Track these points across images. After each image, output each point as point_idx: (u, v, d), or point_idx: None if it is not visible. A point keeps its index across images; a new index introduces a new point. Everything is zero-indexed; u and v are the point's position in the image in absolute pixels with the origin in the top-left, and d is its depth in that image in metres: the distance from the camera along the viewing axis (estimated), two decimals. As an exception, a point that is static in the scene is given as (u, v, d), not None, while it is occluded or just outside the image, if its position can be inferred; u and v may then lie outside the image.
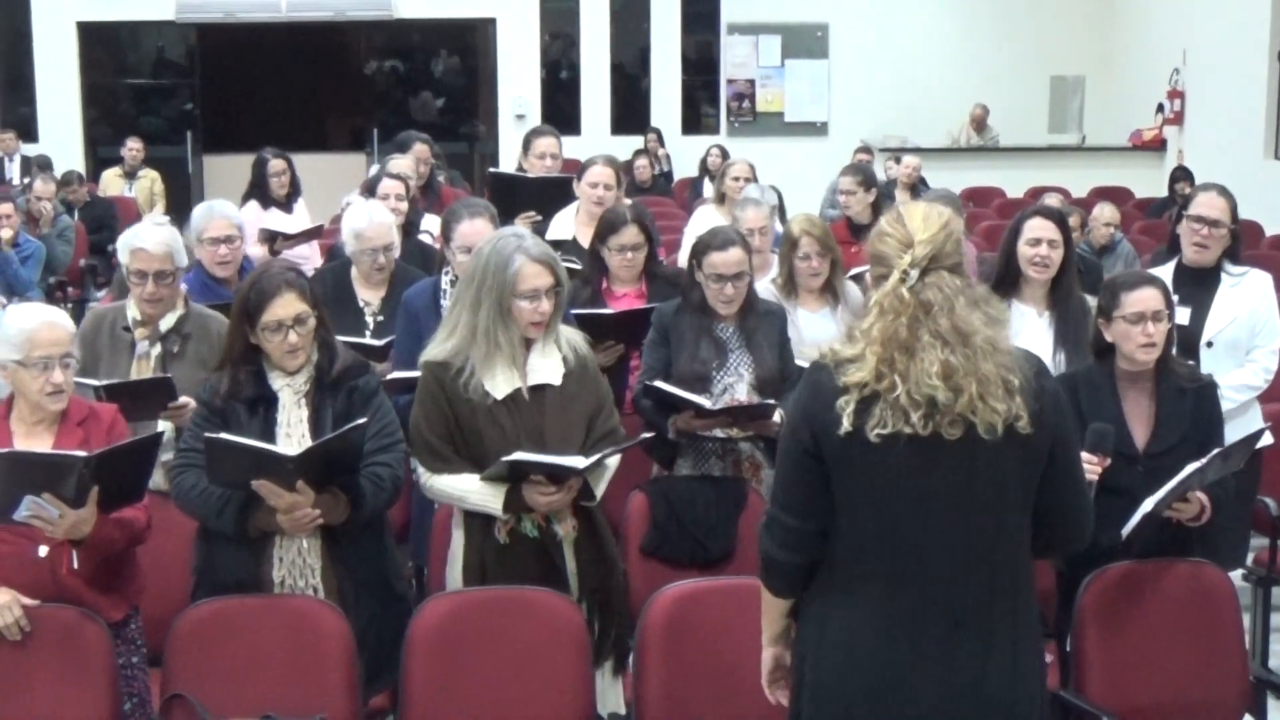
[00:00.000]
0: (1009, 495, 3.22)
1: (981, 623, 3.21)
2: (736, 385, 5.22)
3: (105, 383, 4.89)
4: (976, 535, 3.20)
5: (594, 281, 5.96)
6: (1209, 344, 5.67)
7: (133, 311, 5.19)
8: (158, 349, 5.15)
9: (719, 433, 5.23)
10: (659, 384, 5.10)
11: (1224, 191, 5.87)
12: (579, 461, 4.24)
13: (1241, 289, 5.76)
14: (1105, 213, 10.37)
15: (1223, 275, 5.77)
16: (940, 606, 3.20)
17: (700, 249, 5.32)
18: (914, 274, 3.19)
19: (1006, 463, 3.18)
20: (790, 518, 3.30)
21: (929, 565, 3.19)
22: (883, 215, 3.39)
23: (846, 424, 3.15)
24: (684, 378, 5.17)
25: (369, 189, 7.55)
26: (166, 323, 5.16)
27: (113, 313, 5.30)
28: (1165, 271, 5.58)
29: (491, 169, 11.23)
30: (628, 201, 6.69)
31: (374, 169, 9.22)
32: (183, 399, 4.86)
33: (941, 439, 3.14)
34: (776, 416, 5.15)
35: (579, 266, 6.14)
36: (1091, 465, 4.33)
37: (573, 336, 4.50)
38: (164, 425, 4.85)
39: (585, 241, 6.81)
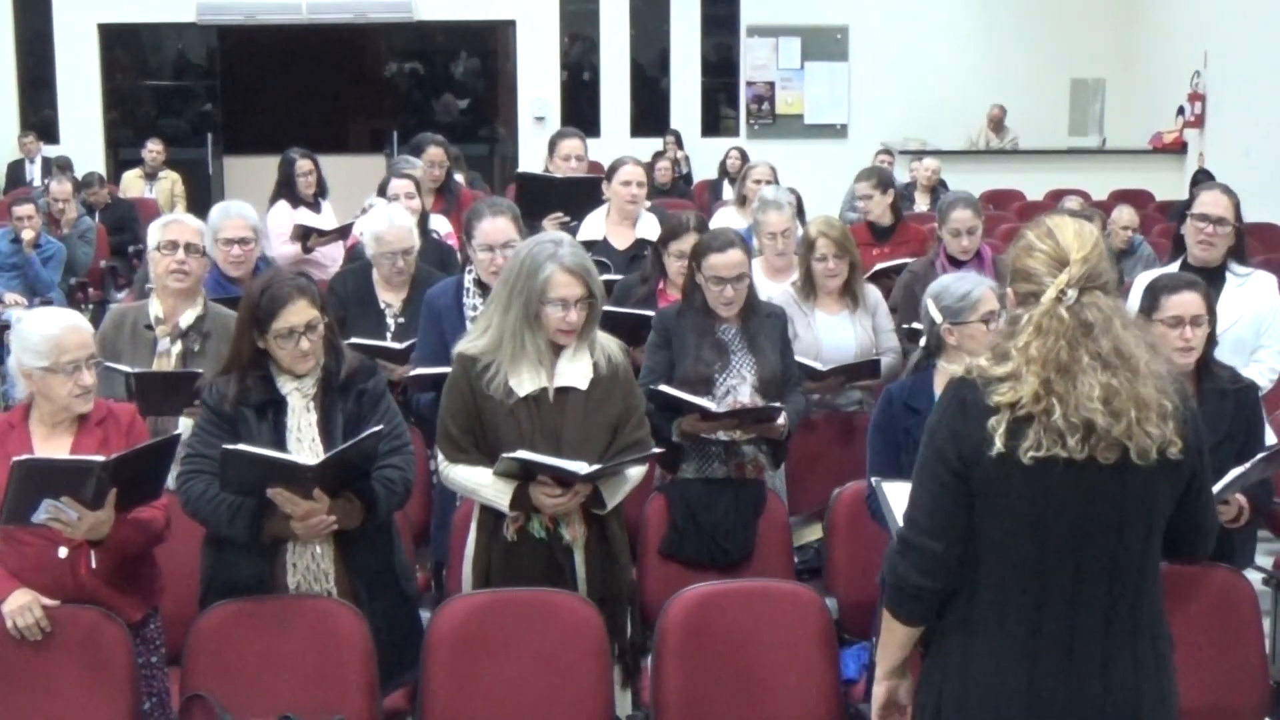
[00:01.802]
0: (1155, 519, 3.18)
1: (1129, 647, 3.18)
2: (739, 387, 5.21)
3: (139, 370, 4.94)
4: (1125, 559, 3.15)
5: (651, 281, 5.97)
6: (1215, 343, 5.67)
7: (154, 309, 5.24)
8: (178, 346, 5.19)
9: (722, 435, 5.23)
10: (663, 388, 5.09)
11: (1227, 190, 5.92)
12: (580, 467, 4.23)
13: (1247, 289, 5.78)
14: (1124, 216, 10.33)
15: (1228, 275, 5.79)
16: (1090, 632, 3.15)
17: (700, 251, 5.31)
18: (1072, 294, 3.12)
19: (1156, 487, 3.14)
20: (935, 542, 3.18)
21: (1078, 589, 3.14)
22: (1028, 229, 3.30)
23: (999, 445, 3.07)
24: (687, 380, 5.17)
25: (380, 191, 7.56)
26: (186, 320, 5.22)
27: (134, 311, 5.34)
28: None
29: (520, 170, 11.23)
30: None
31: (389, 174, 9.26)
32: None
33: (1096, 463, 3.08)
34: (781, 420, 5.15)
35: (609, 266, 6.17)
36: None
37: (608, 344, 4.49)
38: (185, 423, 4.87)
39: (616, 241, 6.84)
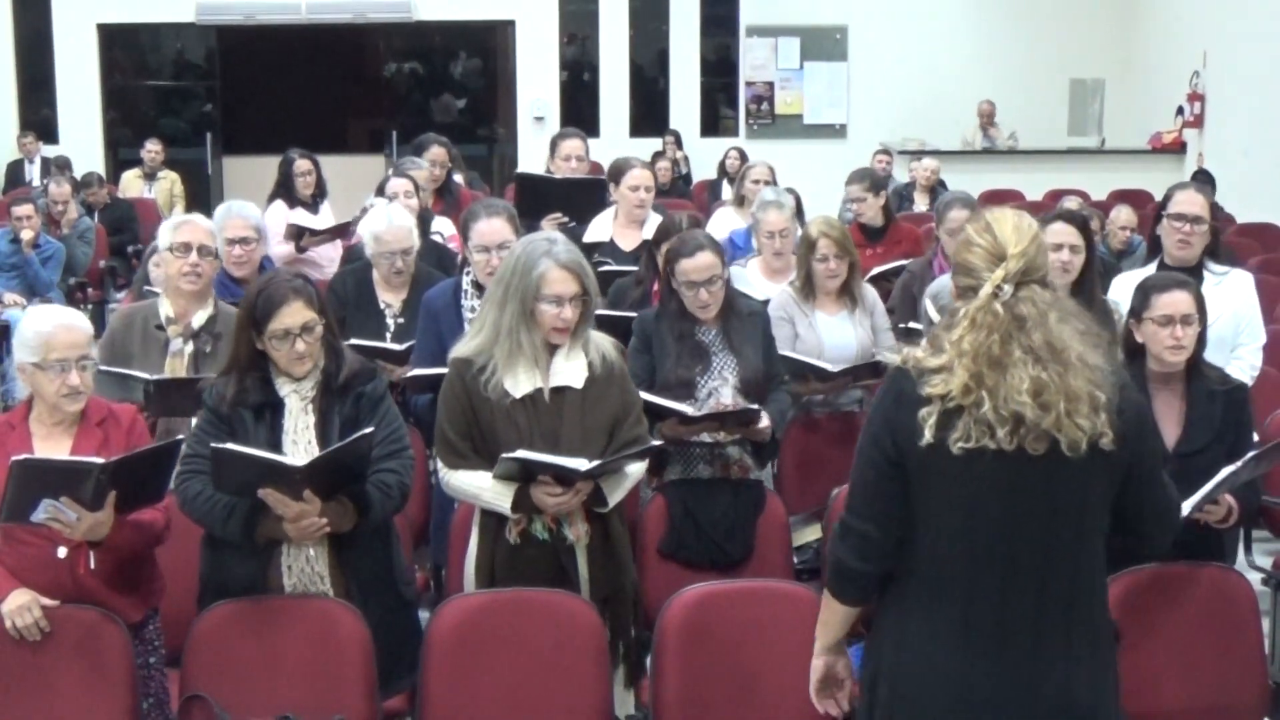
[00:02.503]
0: (1089, 509, 3.21)
1: (1062, 634, 3.21)
2: (721, 389, 5.19)
3: (157, 377, 4.95)
4: (1057, 548, 3.18)
5: (646, 283, 5.96)
6: None
7: (164, 309, 5.24)
8: (190, 347, 5.19)
9: (707, 437, 5.21)
10: (642, 394, 5.06)
11: (1201, 188, 5.96)
12: (580, 464, 4.23)
13: (1224, 288, 5.80)
14: (1122, 216, 10.34)
15: (1205, 274, 5.79)
16: (1021, 619, 3.19)
17: (671, 257, 5.29)
18: (1008, 289, 3.16)
19: (1088, 478, 3.17)
20: (871, 526, 3.26)
21: (1009, 576, 3.18)
22: (969, 223, 3.36)
23: (929, 435, 3.13)
24: (668, 384, 5.15)
25: (379, 191, 7.55)
26: (198, 320, 5.23)
27: (144, 311, 5.34)
28: (1146, 274, 5.56)
29: (520, 170, 11.24)
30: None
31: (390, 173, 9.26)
32: None
33: (1025, 454, 3.12)
34: (763, 421, 5.14)
35: (616, 267, 6.16)
36: None
37: (603, 342, 4.48)
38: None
39: (623, 244, 6.84)
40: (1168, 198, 5.96)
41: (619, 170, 7.03)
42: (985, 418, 3.10)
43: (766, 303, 5.91)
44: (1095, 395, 3.13)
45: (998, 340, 3.13)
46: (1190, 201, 5.84)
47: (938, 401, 3.13)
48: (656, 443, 4.67)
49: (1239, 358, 5.80)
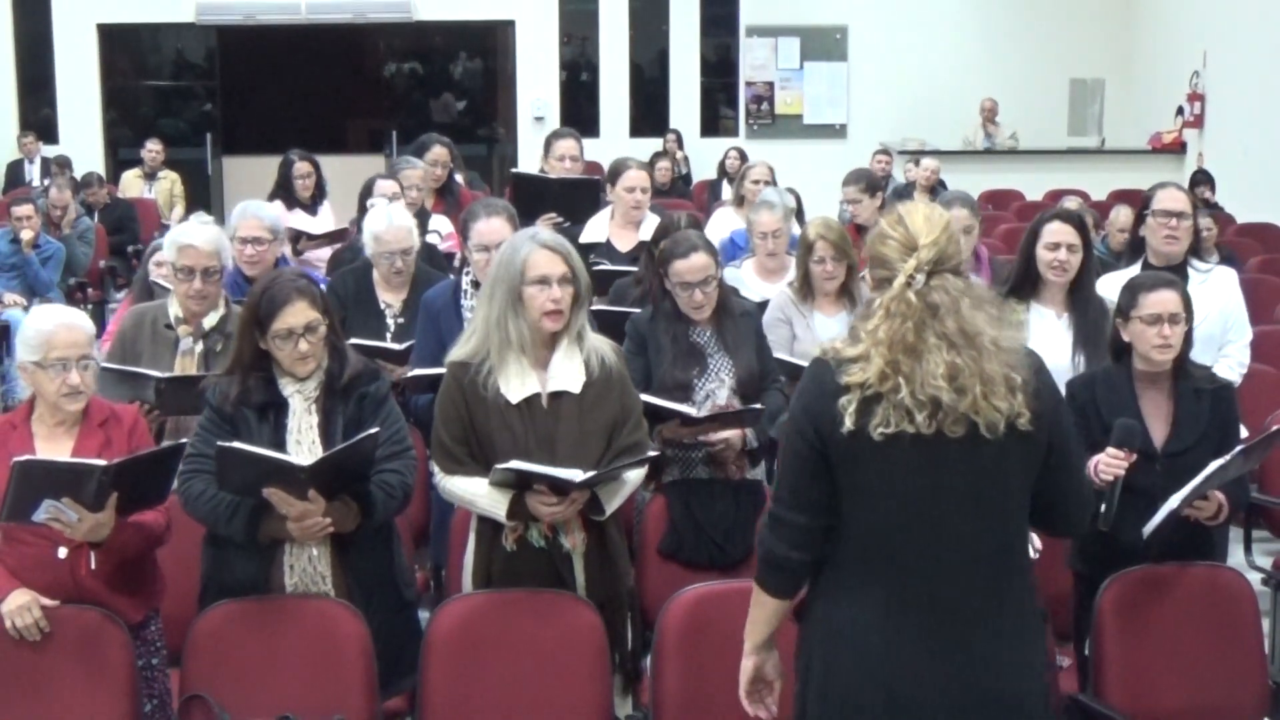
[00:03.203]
0: (1011, 490, 3.27)
1: (989, 617, 3.25)
2: (718, 391, 5.18)
3: (167, 375, 4.94)
4: (982, 530, 3.24)
5: (646, 283, 5.96)
6: None
7: (174, 309, 5.24)
8: (200, 346, 5.18)
9: (711, 440, 5.19)
10: (643, 396, 5.04)
11: (1180, 185, 6.08)
12: (575, 475, 4.20)
13: (1210, 285, 5.83)
14: (1121, 216, 10.33)
15: (1190, 272, 5.81)
16: (948, 602, 3.23)
17: (664, 258, 5.28)
18: (920, 278, 3.23)
19: (1008, 459, 3.23)
20: (799, 515, 3.32)
21: (936, 561, 3.23)
22: (883, 217, 3.42)
23: (849, 423, 3.19)
24: (664, 386, 5.13)
25: (365, 193, 7.54)
26: (210, 321, 5.22)
27: (154, 310, 5.34)
28: (1131, 274, 5.56)
29: (515, 170, 11.24)
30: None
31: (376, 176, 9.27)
32: None
33: (945, 437, 3.18)
34: (748, 432, 5.13)
35: (612, 267, 6.16)
36: (1119, 460, 4.37)
37: (601, 346, 4.44)
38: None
39: (620, 244, 6.83)
40: (1149, 197, 6.00)
41: (615, 171, 7.03)
42: (903, 403, 3.16)
43: (763, 304, 5.92)
44: (1011, 377, 3.20)
45: (912, 328, 3.20)
46: (1173, 198, 5.90)
47: (856, 390, 3.20)
48: (653, 453, 4.64)
49: (1227, 355, 5.83)
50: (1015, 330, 3.32)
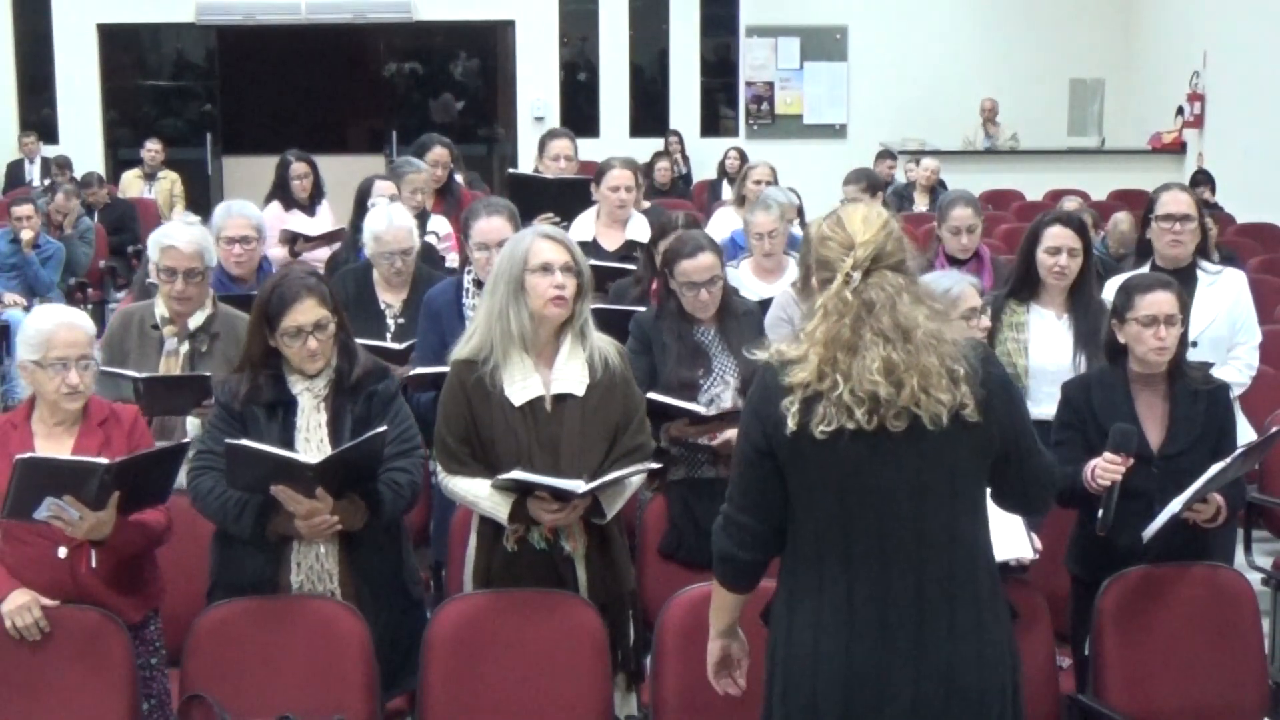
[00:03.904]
0: (959, 481, 3.29)
1: (944, 612, 3.26)
2: (724, 394, 5.17)
3: (145, 375, 4.95)
4: (931, 522, 3.26)
5: (645, 282, 5.96)
6: (1194, 343, 5.66)
7: (160, 309, 5.24)
8: (186, 347, 5.19)
9: (706, 440, 5.19)
10: (652, 395, 5.03)
11: (1185, 187, 6.04)
12: (579, 486, 4.19)
13: (1218, 287, 5.82)
14: (1121, 218, 10.36)
15: (1199, 274, 5.80)
16: (901, 595, 3.25)
17: (670, 258, 5.28)
18: (856, 276, 3.26)
19: (955, 450, 3.25)
20: (748, 518, 3.38)
21: (886, 555, 3.25)
22: (824, 221, 3.48)
23: (791, 423, 3.22)
24: (669, 386, 5.12)
25: (362, 194, 7.53)
26: (195, 321, 5.22)
27: (140, 311, 5.34)
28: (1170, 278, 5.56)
29: (511, 170, 11.24)
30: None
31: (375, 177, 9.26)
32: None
33: (887, 432, 3.20)
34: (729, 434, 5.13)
35: (600, 263, 6.14)
36: (1116, 465, 4.35)
37: (605, 347, 4.43)
38: (192, 425, 4.87)
39: (606, 243, 6.84)
40: (1154, 200, 5.98)
41: (600, 171, 7.04)
42: (842, 400, 3.20)
43: (761, 303, 5.91)
44: (953, 369, 3.22)
45: (848, 325, 3.23)
46: (1176, 201, 5.87)
47: (798, 390, 3.23)
48: (655, 465, 4.63)
49: (1236, 357, 5.80)
50: (960, 323, 3.36)
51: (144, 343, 5.21)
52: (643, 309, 5.69)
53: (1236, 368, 5.74)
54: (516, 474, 4.19)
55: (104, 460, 4.08)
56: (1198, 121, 15.48)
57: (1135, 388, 4.63)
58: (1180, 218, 5.80)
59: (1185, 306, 4.62)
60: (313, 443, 4.32)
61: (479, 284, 5.45)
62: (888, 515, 3.24)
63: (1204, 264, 5.91)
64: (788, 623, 3.37)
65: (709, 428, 5.10)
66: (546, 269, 4.26)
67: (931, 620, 3.25)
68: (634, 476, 4.44)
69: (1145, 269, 5.85)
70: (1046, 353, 5.36)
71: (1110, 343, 4.69)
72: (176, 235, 5.23)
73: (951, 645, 3.25)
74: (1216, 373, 5.45)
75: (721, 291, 5.28)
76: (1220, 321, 5.73)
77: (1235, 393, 5.66)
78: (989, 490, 3.42)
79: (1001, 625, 3.37)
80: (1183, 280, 5.69)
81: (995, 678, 3.31)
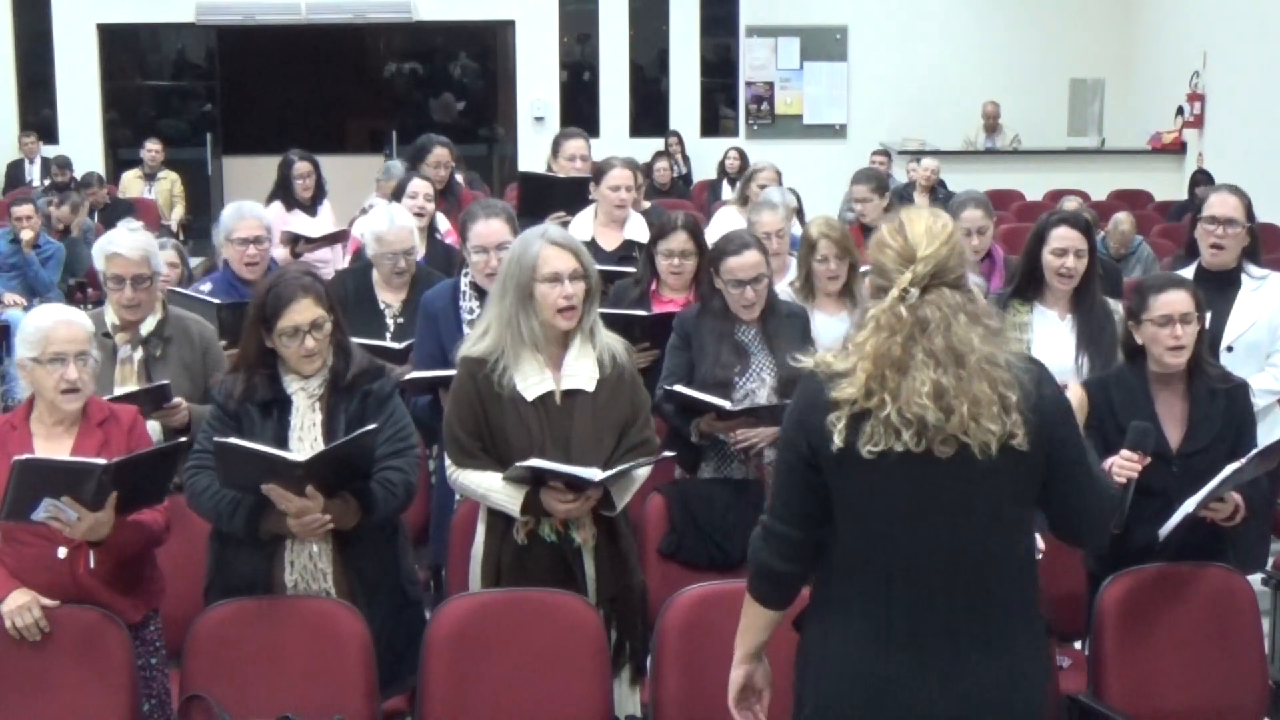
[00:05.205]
0: (1005, 509, 3.21)
1: (980, 633, 3.20)
2: (758, 391, 5.19)
3: (107, 398, 4.89)
4: (972, 548, 3.19)
5: (644, 283, 5.95)
6: (1229, 348, 5.63)
7: (110, 317, 5.19)
8: (140, 353, 5.14)
9: (737, 437, 5.19)
10: (680, 388, 5.09)
11: (1236, 190, 5.85)
12: (595, 474, 4.22)
13: (1262, 293, 5.72)
14: (1123, 224, 10.37)
15: (1243, 278, 5.74)
16: (937, 618, 3.19)
17: (716, 255, 5.31)
18: (914, 292, 3.16)
19: (1002, 478, 3.16)
20: (789, 527, 3.31)
21: (925, 578, 3.18)
22: (884, 222, 3.35)
23: (838, 440, 3.14)
24: (706, 383, 5.15)
25: (398, 193, 7.52)
26: (147, 326, 5.17)
27: (91, 319, 5.29)
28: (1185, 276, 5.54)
29: (522, 169, 11.23)
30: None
31: (386, 169, 9.25)
32: (175, 399, 4.92)
33: (934, 456, 3.13)
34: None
35: (599, 267, 6.13)
36: (1132, 463, 4.34)
37: (613, 344, 4.47)
38: (154, 426, 4.83)
39: (604, 243, 6.83)
40: (1203, 200, 5.90)
41: (600, 170, 7.02)
42: (890, 420, 3.11)
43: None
44: (1005, 396, 3.12)
45: (899, 343, 3.13)
46: (1223, 204, 5.76)
47: (845, 405, 3.14)
48: (668, 454, 4.65)
49: (1273, 364, 5.71)
50: (1014, 344, 3.24)
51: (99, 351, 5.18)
52: (643, 312, 5.71)
53: (1274, 375, 5.68)
54: (534, 461, 4.20)
55: (101, 461, 4.08)
56: (1198, 121, 15.47)
57: (1154, 387, 4.61)
58: (1225, 221, 5.71)
59: (1200, 304, 4.59)
60: (306, 442, 4.32)
61: (476, 287, 5.45)
62: (929, 534, 3.17)
63: (1250, 268, 5.81)
64: (821, 636, 3.30)
65: (738, 423, 5.11)
66: (555, 279, 4.27)
67: (967, 639, 3.19)
68: (640, 470, 4.46)
69: (1191, 269, 5.80)
70: (1049, 353, 5.33)
71: (1128, 343, 4.68)
72: (121, 242, 5.17)
73: (985, 667, 3.20)
74: (1255, 380, 5.36)
75: (767, 291, 5.29)
76: (1260, 326, 5.66)
77: (1273, 400, 5.64)
78: (1047, 521, 3.36)
79: (1037, 645, 3.32)
80: (1225, 285, 5.68)
81: (1029, 694, 3.27)
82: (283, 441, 4.29)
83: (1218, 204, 5.78)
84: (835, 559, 3.27)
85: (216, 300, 5.32)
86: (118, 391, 4.96)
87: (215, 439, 4.16)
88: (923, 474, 3.14)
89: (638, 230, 6.82)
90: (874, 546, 3.21)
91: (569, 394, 4.35)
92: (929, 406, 3.09)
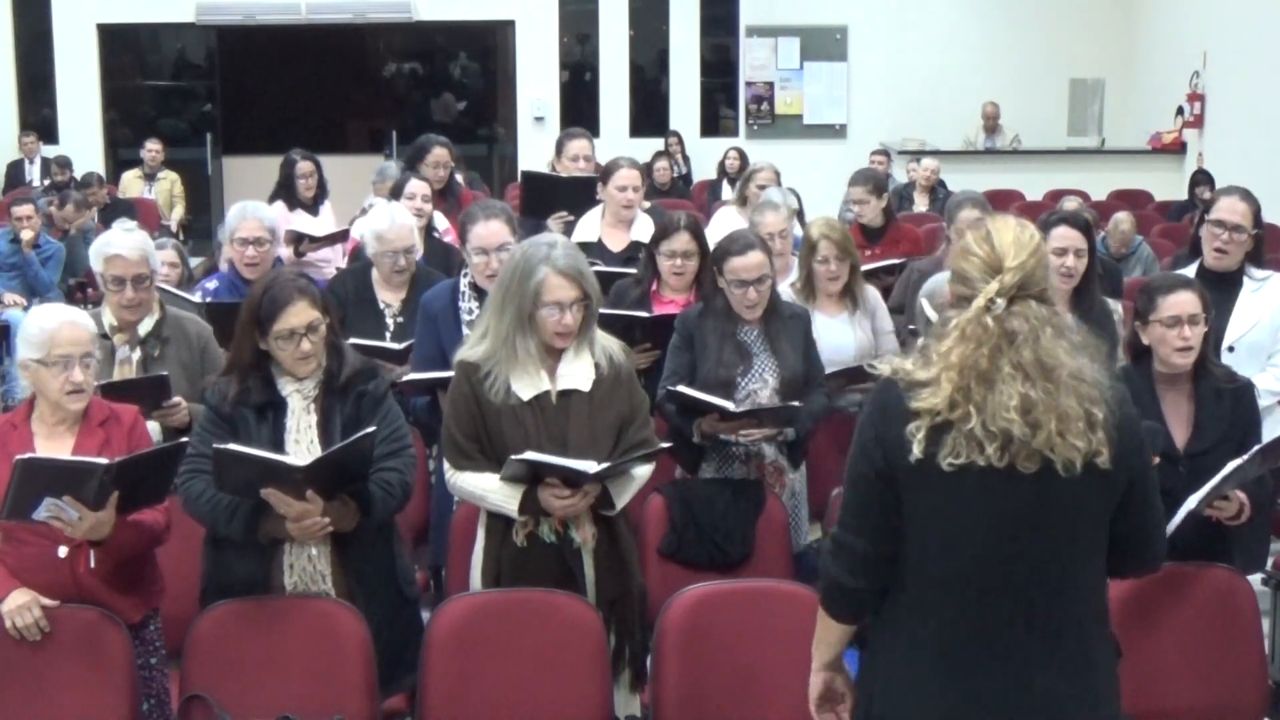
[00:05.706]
0: (1083, 527, 3.14)
1: (1050, 654, 3.14)
2: (760, 391, 5.20)
3: (102, 382, 4.91)
4: (1047, 567, 3.12)
5: (645, 283, 5.95)
6: (1230, 349, 5.62)
7: (108, 318, 5.19)
8: (138, 353, 5.15)
9: (740, 437, 5.20)
10: (682, 388, 5.09)
11: (1246, 195, 5.81)
12: (590, 466, 4.21)
13: (1263, 294, 5.72)
14: (1123, 224, 10.37)
15: (1245, 280, 5.73)
16: (1007, 638, 3.12)
17: (720, 255, 5.31)
18: (1000, 303, 3.08)
19: (1083, 496, 3.09)
20: (862, 542, 3.19)
21: (997, 596, 3.12)
22: (970, 229, 3.28)
23: (917, 451, 3.05)
24: (708, 383, 5.16)
25: (395, 193, 7.52)
26: (145, 326, 5.18)
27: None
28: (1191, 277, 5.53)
29: (525, 169, 11.23)
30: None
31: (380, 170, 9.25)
32: (175, 399, 4.93)
33: (1016, 472, 3.05)
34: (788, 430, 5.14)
35: (605, 268, 6.15)
36: None
37: (609, 344, 4.46)
38: (153, 426, 4.83)
39: (611, 244, 6.83)
40: (1212, 201, 5.88)
41: (607, 170, 7.02)
42: (974, 434, 3.02)
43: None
44: (1092, 413, 3.05)
45: (986, 354, 3.05)
46: (1231, 209, 5.73)
47: (926, 416, 3.05)
48: (665, 445, 4.66)
49: (1275, 365, 5.71)
50: (1100, 361, 3.15)
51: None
52: (643, 313, 5.71)
53: (1275, 375, 5.68)
54: (530, 455, 4.19)
55: (103, 460, 4.08)
56: (1198, 121, 15.47)
57: (1160, 387, 4.61)
58: (1231, 227, 5.69)
59: (1208, 305, 4.58)
60: (303, 444, 4.32)
61: (475, 288, 5.44)
62: (1003, 551, 3.09)
63: (1252, 270, 5.80)
64: (887, 651, 3.23)
65: (739, 424, 5.11)
66: (558, 307, 4.27)
67: (1036, 662, 3.12)
68: (641, 470, 4.46)
69: (1193, 268, 5.78)
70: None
71: (1134, 343, 4.67)
72: (120, 243, 5.16)
73: (1055, 687, 3.13)
74: (1256, 380, 5.37)
75: (770, 292, 5.29)
76: (1261, 328, 5.65)
77: (1273, 400, 5.63)
78: None
79: (1106, 664, 3.27)
80: (1228, 286, 5.67)
81: (1097, 715, 3.22)
82: (279, 444, 4.29)
83: (1226, 209, 5.75)
84: (906, 574, 3.17)
85: (197, 299, 5.28)
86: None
87: (215, 445, 4.14)
88: (1003, 489, 3.06)
89: (645, 231, 6.80)
90: (948, 562, 3.12)
91: (565, 394, 4.34)
92: (1016, 420, 3.01)
